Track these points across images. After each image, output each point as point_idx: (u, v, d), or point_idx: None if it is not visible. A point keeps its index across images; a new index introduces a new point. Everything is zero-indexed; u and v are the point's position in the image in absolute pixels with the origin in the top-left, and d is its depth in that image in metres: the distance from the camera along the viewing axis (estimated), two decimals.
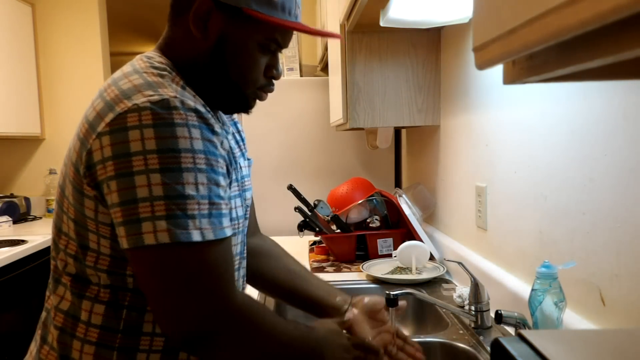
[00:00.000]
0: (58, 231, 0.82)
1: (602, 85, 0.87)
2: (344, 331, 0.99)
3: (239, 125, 1.05)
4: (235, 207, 0.87)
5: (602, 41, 0.32)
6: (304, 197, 1.87)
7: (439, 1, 1.29)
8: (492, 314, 1.02)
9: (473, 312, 1.15)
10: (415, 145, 2.22)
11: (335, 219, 1.86)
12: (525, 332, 0.49)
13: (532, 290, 0.92)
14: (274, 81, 0.90)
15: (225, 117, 0.98)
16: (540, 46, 0.35)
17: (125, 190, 0.70)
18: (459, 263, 1.22)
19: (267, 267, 1.10)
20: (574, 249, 0.97)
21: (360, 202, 1.86)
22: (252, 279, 1.10)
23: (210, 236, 0.72)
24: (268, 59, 0.86)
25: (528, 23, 0.35)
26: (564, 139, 0.99)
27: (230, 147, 0.85)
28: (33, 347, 0.87)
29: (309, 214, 1.84)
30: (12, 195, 3.37)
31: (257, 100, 0.91)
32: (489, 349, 0.84)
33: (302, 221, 1.86)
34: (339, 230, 1.89)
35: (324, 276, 1.66)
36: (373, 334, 1.01)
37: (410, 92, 1.79)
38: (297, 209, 1.82)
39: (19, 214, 3.29)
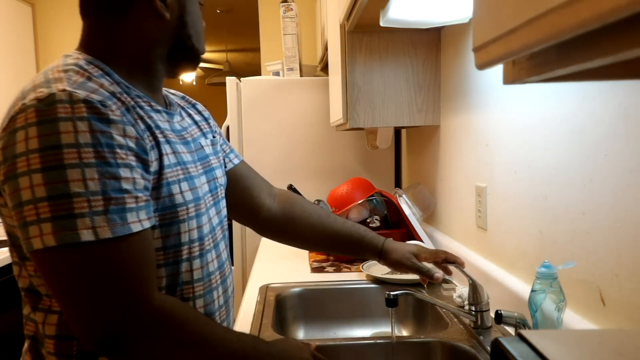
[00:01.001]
0: (9, 245, 0.80)
1: (602, 85, 0.87)
2: None
3: (198, 106, 1.05)
4: (188, 190, 0.83)
5: (602, 41, 0.32)
6: (304, 197, 1.87)
7: (439, 1, 1.29)
8: (492, 314, 1.02)
9: (473, 312, 1.15)
10: (415, 145, 2.22)
11: None
12: (525, 332, 0.49)
13: (532, 290, 0.92)
14: None
15: (173, 98, 0.98)
16: (541, 46, 0.35)
17: (14, 194, 0.68)
18: (456, 266, 1.22)
19: (298, 234, 1.18)
20: (574, 249, 0.97)
21: (360, 202, 1.86)
22: (290, 242, 1.21)
23: (106, 234, 0.67)
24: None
25: (528, 23, 0.35)
26: (564, 139, 0.99)
27: (159, 130, 0.81)
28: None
29: None
30: None
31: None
32: (489, 349, 0.84)
33: None
34: None
35: (323, 276, 1.66)
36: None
37: (410, 92, 1.79)
38: None
39: None
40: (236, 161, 1.13)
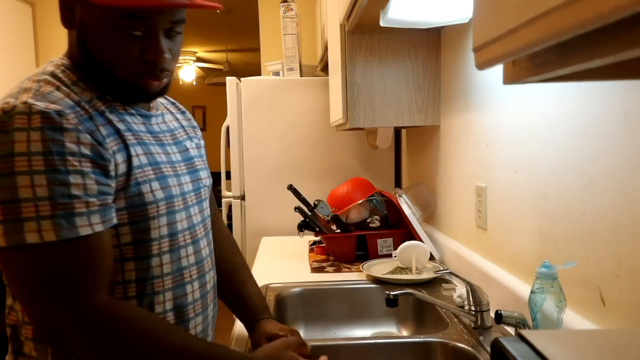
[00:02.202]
0: None
1: (602, 85, 0.87)
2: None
3: (187, 114, 1.10)
4: (159, 189, 0.86)
5: (602, 41, 0.32)
6: (304, 197, 1.87)
7: (439, 1, 1.29)
8: (492, 314, 1.02)
9: (473, 312, 1.15)
10: (415, 145, 2.22)
11: (335, 219, 1.86)
12: (525, 332, 0.49)
13: (532, 290, 0.92)
14: (166, 66, 0.86)
15: (162, 101, 1.02)
16: (541, 46, 0.35)
17: None
18: (450, 272, 1.22)
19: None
20: (574, 249, 0.97)
21: (360, 202, 1.86)
22: None
23: (51, 237, 0.72)
24: (140, 42, 0.82)
25: (528, 23, 0.35)
26: (564, 139, 0.99)
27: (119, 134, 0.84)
28: None
29: (309, 214, 1.84)
30: None
31: (159, 88, 0.89)
32: (489, 349, 0.84)
33: (302, 221, 1.86)
34: (339, 230, 1.89)
35: (323, 276, 1.66)
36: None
37: (410, 92, 1.79)
38: (297, 209, 1.82)
39: None
40: None
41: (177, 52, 0.89)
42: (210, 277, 0.99)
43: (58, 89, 0.80)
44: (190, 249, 0.93)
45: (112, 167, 0.80)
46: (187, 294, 0.91)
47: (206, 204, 1.02)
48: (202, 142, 1.09)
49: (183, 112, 1.09)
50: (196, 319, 0.93)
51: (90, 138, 0.77)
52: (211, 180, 1.07)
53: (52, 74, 0.82)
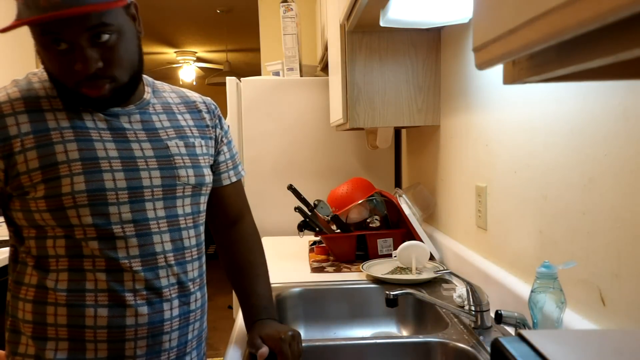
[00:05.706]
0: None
1: (602, 85, 0.87)
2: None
3: (203, 114, 1.10)
4: (82, 182, 0.91)
5: (602, 41, 0.32)
6: (304, 197, 1.87)
7: (439, 1, 1.29)
8: (492, 314, 1.02)
9: (473, 312, 1.15)
10: (415, 145, 2.22)
11: (335, 219, 1.86)
12: (525, 332, 0.49)
13: (532, 290, 0.92)
14: (102, 73, 0.88)
15: (166, 99, 1.07)
16: (541, 46, 0.35)
17: None
18: (450, 272, 1.22)
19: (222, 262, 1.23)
20: (574, 249, 0.97)
21: (360, 202, 1.86)
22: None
23: None
24: (69, 54, 0.85)
25: (528, 23, 0.35)
26: (564, 139, 0.99)
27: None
28: None
29: (309, 214, 1.84)
30: None
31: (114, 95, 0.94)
32: (489, 349, 0.84)
33: (302, 221, 1.86)
34: (339, 230, 1.89)
35: (324, 276, 1.66)
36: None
37: (410, 92, 1.79)
38: (297, 209, 1.82)
39: None
40: (228, 181, 1.16)
41: (116, 58, 0.88)
42: (172, 272, 0.98)
43: (29, 82, 0.93)
44: (134, 241, 0.94)
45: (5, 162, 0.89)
46: (125, 281, 0.94)
47: (184, 201, 1.01)
48: (226, 141, 1.14)
49: (200, 111, 1.10)
50: (138, 309, 0.94)
51: None
52: (199, 180, 1.04)
53: (32, 72, 0.96)
